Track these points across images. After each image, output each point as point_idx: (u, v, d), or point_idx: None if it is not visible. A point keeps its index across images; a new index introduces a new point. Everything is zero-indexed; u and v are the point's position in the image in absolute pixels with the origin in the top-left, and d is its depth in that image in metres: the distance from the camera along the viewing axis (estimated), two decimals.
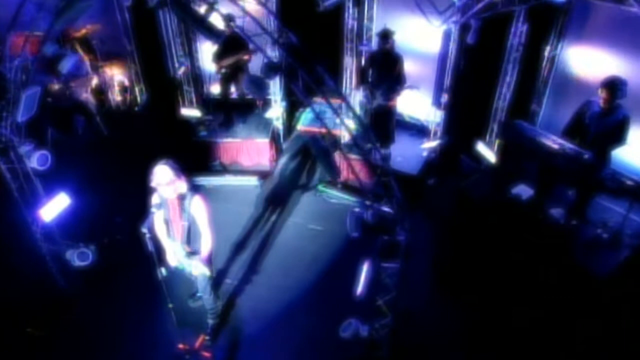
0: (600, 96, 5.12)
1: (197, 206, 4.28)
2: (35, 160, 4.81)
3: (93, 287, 5.69)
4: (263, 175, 7.61)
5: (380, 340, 4.50)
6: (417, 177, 6.94)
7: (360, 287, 4.23)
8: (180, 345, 4.82)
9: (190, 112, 7.99)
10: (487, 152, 6.46)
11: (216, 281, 5.42)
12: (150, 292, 4.75)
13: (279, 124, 8.03)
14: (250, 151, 7.82)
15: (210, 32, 3.66)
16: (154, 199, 4.27)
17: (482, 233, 5.89)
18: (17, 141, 4.76)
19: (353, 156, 7.13)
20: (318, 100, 9.39)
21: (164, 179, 4.07)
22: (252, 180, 7.44)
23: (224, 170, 7.78)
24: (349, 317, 4.71)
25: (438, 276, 5.86)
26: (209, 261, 4.61)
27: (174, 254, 4.57)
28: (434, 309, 5.42)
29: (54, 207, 5.21)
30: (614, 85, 4.97)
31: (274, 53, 5.49)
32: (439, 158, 7.11)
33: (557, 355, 4.95)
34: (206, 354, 4.98)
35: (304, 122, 8.31)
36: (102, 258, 5.80)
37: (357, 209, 3.90)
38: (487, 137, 6.79)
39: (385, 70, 6.52)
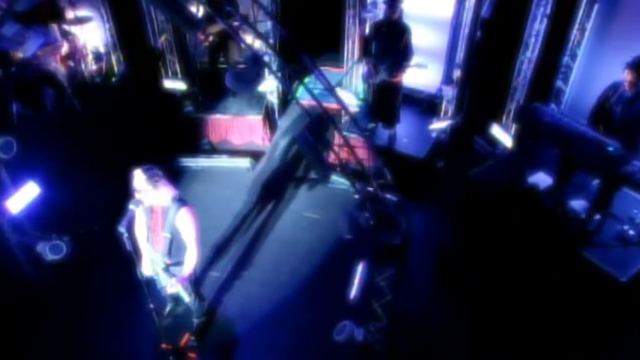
0: (626, 79, 4.96)
1: (183, 220, 4.18)
2: None
3: (68, 282, 5.67)
4: (255, 155, 7.55)
5: (376, 345, 4.53)
6: (424, 160, 6.82)
7: (354, 290, 4.28)
8: (164, 345, 4.85)
9: (174, 84, 7.79)
10: (503, 135, 6.31)
11: (201, 276, 5.47)
12: (130, 288, 4.76)
13: (273, 98, 7.92)
14: (241, 129, 7.73)
15: (186, 22, 3.47)
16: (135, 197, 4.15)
17: (494, 226, 5.81)
18: None
19: (353, 136, 7.07)
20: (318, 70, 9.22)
21: (139, 186, 4.00)
22: (244, 162, 7.39)
23: (212, 149, 7.71)
24: (343, 319, 4.72)
25: (442, 275, 5.83)
26: (189, 281, 4.57)
27: (151, 264, 4.50)
28: (435, 312, 5.40)
29: (22, 197, 5.15)
30: None
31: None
32: (450, 140, 6.98)
33: None
34: (191, 355, 5.00)
35: (300, 95, 8.42)
36: (78, 251, 5.69)
37: (351, 210, 3.82)
38: (504, 118, 6.63)
39: (390, 43, 6.31)
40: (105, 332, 5.27)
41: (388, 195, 3.92)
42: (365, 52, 6.72)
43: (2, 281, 5.56)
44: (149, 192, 4.04)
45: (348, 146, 3.81)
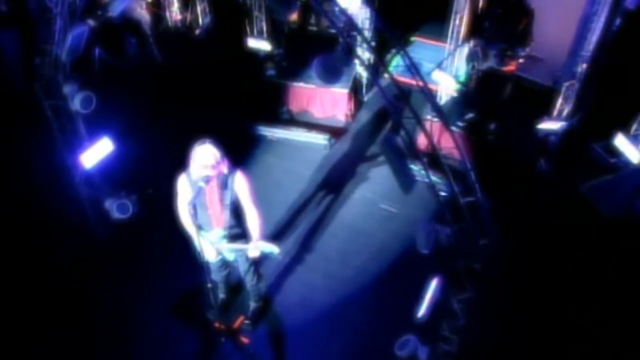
0: None
1: (240, 182, 4.48)
2: (79, 102, 5.11)
3: (130, 242, 6.12)
4: (335, 132, 7.63)
5: None
6: (525, 164, 6.65)
7: (424, 307, 4.29)
8: (217, 324, 5.10)
9: (259, 44, 7.87)
10: (630, 148, 5.90)
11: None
12: (191, 258, 4.86)
13: (363, 72, 7.84)
14: (324, 101, 7.80)
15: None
16: (186, 180, 4.43)
17: (603, 258, 5.59)
18: (61, 78, 5.08)
19: (447, 124, 6.94)
20: (417, 40, 9.03)
21: (205, 161, 4.23)
22: (322, 138, 7.48)
23: (290, 120, 7.87)
24: (408, 333, 4.72)
25: (525, 307, 5.65)
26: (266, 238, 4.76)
27: (212, 244, 4.71)
28: (512, 346, 5.31)
29: (96, 152, 5.56)
30: None
31: None
32: (561, 144, 6.66)
33: None
34: (244, 339, 5.21)
35: (395, 70, 8.06)
36: (144, 211, 6.13)
37: (431, 223, 3.82)
38: (634, 128, 6.19)
39: (506, 25, 6.06)
40: (159, 299, 5.67)
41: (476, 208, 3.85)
42: (475, 31, 6.50)
43: (66, 232, 6.18)
44: (214, 167, 4.27)
45: (453, 139, 3.76)
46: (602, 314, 5.45)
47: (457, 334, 4.35)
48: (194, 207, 4.24)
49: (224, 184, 4.46)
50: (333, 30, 7.89)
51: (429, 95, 3.77)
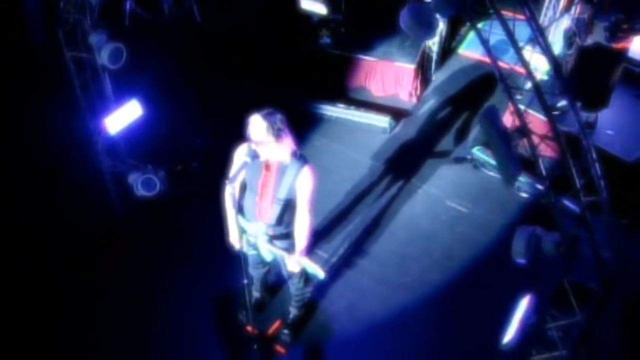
0: None
1: (305, 181, 4.19)
2: (107, 54, 4.97)
3: (154, 224, 6.14)
4: (397, 113, 7.50)
5: None
6: (633, 165, 6.21)
7: (511, 333, 4.03)
8: (250, 328, 4.97)
9: (314, 6, 7.68)
10: None
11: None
12: (222, 248, 4.82)
13: (432, 45, 7.78)
14: (386, 77, 7.72)
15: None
16: (245, 150, 4.19)
17: None
18: (88, 25, 4.98)
19: (534, 113, 6.57)
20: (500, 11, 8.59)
21: (257, 136, 3.98)
22: (381, 120, 7.35)
23: (345, 97, 7.77)
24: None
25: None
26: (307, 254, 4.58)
27: (249, 235, 4.54)
28: None
29: (123, 116, 5.50)
30: None
31: None
32: None
33: None
34: (280, 349, 5.19)
35: (471, 46, 8.29)
36: (171, 189, 6.12)
37: (533, 227, 3.44)
38: None
39: None
40: (182, 293, 5.59)
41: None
42: None
43: (83, 208, 6.19)
44: (268, 143, 4.02)
45: (554, 128, 3.36)
46: None
47: None
48: (243, 186, 4.24)
49: (284, 174, 4.23)
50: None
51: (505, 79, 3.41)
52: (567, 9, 6.68)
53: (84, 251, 5.91)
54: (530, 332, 3.91)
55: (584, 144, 3.70)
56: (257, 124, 3.99)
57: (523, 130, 3.49)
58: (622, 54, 6.01)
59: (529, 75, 3.66)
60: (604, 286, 3.33)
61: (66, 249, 5.92)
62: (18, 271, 5.67)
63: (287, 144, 4.13)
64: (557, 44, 6.81)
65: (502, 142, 3.29)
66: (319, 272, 4.35)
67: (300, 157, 4.22)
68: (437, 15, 3.34)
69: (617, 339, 5.17)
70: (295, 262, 4.40)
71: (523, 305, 4.00)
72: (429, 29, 3.41)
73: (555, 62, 3.79)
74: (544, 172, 3.55)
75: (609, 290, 3.39)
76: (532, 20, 3.38)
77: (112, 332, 5.34)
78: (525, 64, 3.58)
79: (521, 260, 3.62)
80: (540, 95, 3.70)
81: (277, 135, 3.99)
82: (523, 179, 6.37)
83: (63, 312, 5.51)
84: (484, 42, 3.46)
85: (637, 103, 6.86)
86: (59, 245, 5.96)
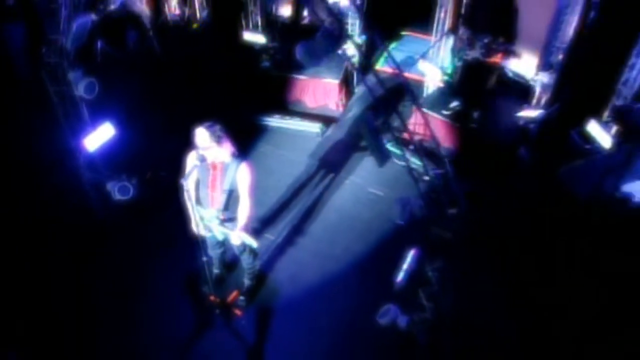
0: None
1: (243, 173, 4.62)
2: (83, 88, 5.46)
3: (130, 222, 6.39)
4: (327, 120, 7.93)
5: (418, 336, 4.84)
6: (505, 149, 6.92)
7: (400, 276, 4.61)
8: (212, 297, 5.32)
9: (254, 37, 8.21)
10: (602, 134, 6.19)
11: (256, 236, 5.69)
12: (185, 236, 5.09)
13: (353, 63, 8.02)
14: (317, 91, 8.11)
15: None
16: (194, 155, 4.57)
17: (572, 235, 5.88)
18: (66, 65, 5.39)
19: (432, 113, 7.26)
20: (408, 34, 9.31)
21: (203, 143, 4.44)
22: (314, 126, 7.78)
23: (284, 109, 8.16)
24: (389, 302, 4.98)
25: (506, 277, 5.92)
26: (247, 230, 4.93)
27: (204, 221, 4.90)
28: (489, 315, 5.55)
29: (99, 137, 5.88)
30: None
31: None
32: (540, 131, 6.95)
33: None
34: (237, 312, 5.55)
35: (386, 62, 8.46)
36: (143, 193, 6.48)
37: (406, 197, 4.11)
38: (605, 115, 6.49)
39: (493, 18, 6.38)
40: (156, 276, 5.92)
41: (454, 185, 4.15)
42: (464, 23, 6.79)
43: (69, 212, 6.43)
44: (212, 148, 4.44)
45: (425, 121, 4.02)
46: (568, 281, 5.73)
47: (432, 301, 4.62)
48: (198, 183, 4.57)
49: (227, 170, 4.61)
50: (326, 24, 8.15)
51: (410, 88, 4.06)
52: (452, 30, 7.25)
53: (73, 246, 6.13)
54: (414, 274, 4.51)
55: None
56: (201, 134, 4.42)
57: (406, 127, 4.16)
58: (494, 67, 6.76)
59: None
60: (456, 235, 4.06)
61: (58, 245, 6.14)
62: (17, 267, 5.90)
63: (227, 147, 4.54)
64: (448, 58, 7.59)
65: (373, 136, 3.98)
66: (253, 243, 4.82)
67: (239, 157, 4.61)
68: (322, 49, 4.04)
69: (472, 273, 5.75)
70: (237, 237, 4.74)
71: (409, 255, 4.54)
72: (317, 59, 4.09)
73: (446, 73, 4.45)
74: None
75: (461, 238, 4.13)
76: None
77: (104, 307, 5.63)
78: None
79: (400, 222, 4.31)
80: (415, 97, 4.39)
81: (218, 141, 4.43)
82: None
83: (58, 292, 5.74)
84: (393, 59, 4.04)
85: (511, 102, 7.27)
86: (51, 242, 6.18)
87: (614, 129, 6.25)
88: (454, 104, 7.33)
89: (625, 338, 5.23)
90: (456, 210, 3.96)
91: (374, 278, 5.86)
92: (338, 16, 4.80)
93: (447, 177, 3.94)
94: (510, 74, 7.47)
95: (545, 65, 6.54)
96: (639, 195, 5.88)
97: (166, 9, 8.94)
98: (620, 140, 6.09)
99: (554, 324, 5.43)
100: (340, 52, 7.70)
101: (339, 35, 3.98)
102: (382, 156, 4.07)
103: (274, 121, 7.91)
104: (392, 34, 9.02)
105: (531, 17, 6.68)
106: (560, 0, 5.91)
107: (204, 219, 4.88)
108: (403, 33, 9.06)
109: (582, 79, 6.54)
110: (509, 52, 6.87)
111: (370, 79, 8.10)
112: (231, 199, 4.76)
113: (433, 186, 4.19)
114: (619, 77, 6.32)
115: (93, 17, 6.57)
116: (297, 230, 6.48)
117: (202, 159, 4.45)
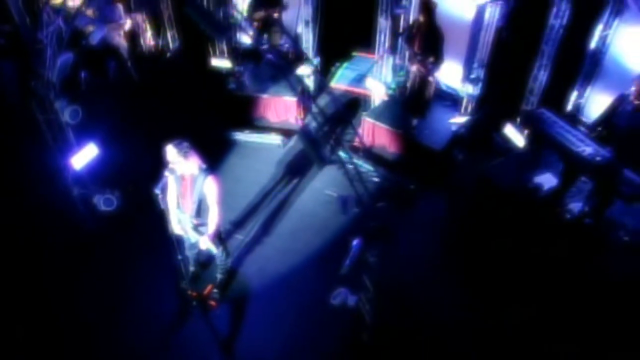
0: (634, 90, 5.40)
1: (209, 186, 4.89)
2: (68, 114, 5.88)
3: (115, 230, 6.68)
4: (288, 133, 8.34)
5: (366, 313, 5.40)
6: (441, 152, 7.47)
7: (346, 262, 5.15)
8: (190, 292, 5.73)
9: (220, 62, 8.64)
10: (516, 135, 6.91)
11: (228, 236, 6.32)
12: (165, 240, 5.27)
13: (309, 82, 8.69)
14: (278, 108, 8.51)
15: (215, 29, 4.37)
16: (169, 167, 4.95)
17: (497, 220, 6.48)
18: (53, 96, 5.79)
19: (379, 123, 7.85)
20: (358, 55, 9.95)
21: (172, 158, 4.81)
22: (276, 139, 8.24)
23: (249, 125, 8.55)
24: (340, 286, 5.61)
25: (444, 259, 6.44)
26: (216, 237, 5.29)
27: (180, 224, 5.22)
28: (430, 293, 6.03)
29: (84, 156, 6.25)
30: None
31: None
32: (469, 134, 7.62)
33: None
34: (212, 303, 5.90)
35: (339, 80, 9.13)
36: (126, 204, 6.84)
37: (343, 195, 4.62)
38: (518, 119, 7.21)
39: (427, 43, 6.97)
40: (141, 275, 6.24)
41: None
42: (405, 40, 7.32)
43: (60, 224, 6.73)
44: (180, 162, 4.74)
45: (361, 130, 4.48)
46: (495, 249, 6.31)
47: (374, 283, 5.15)
48: (177, 194, 4.97)
49: (195, 182, 4.88)
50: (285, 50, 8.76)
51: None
52: (391, 48, 7.85)
53: (65, 253, 6.40)
54: (357, 260, 5.00)
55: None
56: (170, 151, 4.72)
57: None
58: (427, 81, 7.24)
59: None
60: (385, 224, 4.62)
61: (50, 252, 6.42)
62: (16, 270, 6.16)
63: (194, 162, 4.81)
64: (389, 75, 8.21)
65: (312, 145, 4.50)
66: (213, 249, 5.28)
67: (205, 170, 4.85)
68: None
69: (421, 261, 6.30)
70: (204, 242, 5.12)
71: (353, 244, 5.03)
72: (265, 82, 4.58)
73: (390, 87, 4.69)
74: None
75: (388, 228, 4.65)
76: None
77: (95, 301, 5.94)
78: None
79: (342, 214, 4.82)
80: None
81: (185, 156, 4.71)
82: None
83: (55, 287, 6.05)
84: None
85: (444, 111, 8.01)
86: (45, 250, 6.45)
87: (526, 130, 6.97)
88: (397, 114, 7.93)
89: (542, 308, 5.75)
90: (384, 204, 4.51)
91: (330, 266, 6.11)
92: (295, 41, 5.29)
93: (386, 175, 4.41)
94: (444, 87, 8.20)
95: (466, 78, 7.23)
96: (548, 185, 6.53)
97: (142, 41, 9.41)
98: (530, 139, 6.78)
99: (485, 292, 5.98)
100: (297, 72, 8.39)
101: (281, 63, 4.49)
102: (320, 160, 4.58)
103: (241, 135, 8.28)
104: (344, 54, 9.57)
105: (453, 39, 7.28)
106: (474, 26, 6.61)
107: (181, 221, 5.25)
108: (354, 54, 9.62)
109: (500, 89, 7.23)
110: (439, 69, 7.40)
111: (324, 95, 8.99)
112: (201, 207, 5.05)
113: (378, 184, 4.68)
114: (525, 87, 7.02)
115: (75, 52, 6.96)
116: (264, 229, 6.85)
117: (172, 172, 4.86)
